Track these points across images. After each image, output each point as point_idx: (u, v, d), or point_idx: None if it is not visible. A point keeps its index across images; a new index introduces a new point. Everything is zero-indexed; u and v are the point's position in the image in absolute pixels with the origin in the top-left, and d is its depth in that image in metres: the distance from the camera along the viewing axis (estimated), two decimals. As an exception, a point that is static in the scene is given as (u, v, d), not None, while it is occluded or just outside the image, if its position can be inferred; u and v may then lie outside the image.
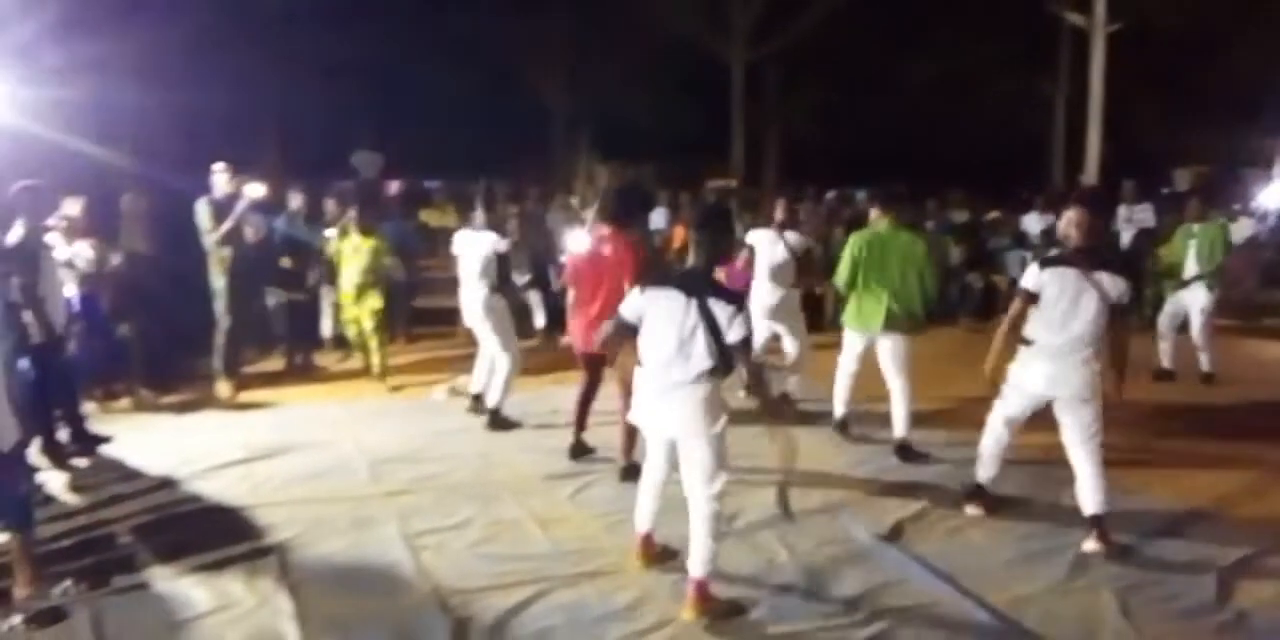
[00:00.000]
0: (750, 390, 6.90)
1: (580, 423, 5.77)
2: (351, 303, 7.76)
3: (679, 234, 10.11)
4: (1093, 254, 4.40)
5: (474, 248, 6.56)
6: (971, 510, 4.83)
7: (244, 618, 3.78)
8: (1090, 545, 4.35)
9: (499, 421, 6.44)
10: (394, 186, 14.05)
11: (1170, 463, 5.64)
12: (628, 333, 3.91)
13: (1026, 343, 4.51)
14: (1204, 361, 7.78)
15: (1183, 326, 7.91)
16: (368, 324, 7.77)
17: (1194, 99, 19.57)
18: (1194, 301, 7.75)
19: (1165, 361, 7.88)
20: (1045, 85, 21.07)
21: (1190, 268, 7.78)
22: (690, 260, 3.88)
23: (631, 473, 5.15)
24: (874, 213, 6.01)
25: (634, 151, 20.42)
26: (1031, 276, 4.48)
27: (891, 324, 5.70)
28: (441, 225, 13.50)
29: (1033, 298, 4.45)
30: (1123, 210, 11.35)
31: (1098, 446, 4.41)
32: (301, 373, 8.30)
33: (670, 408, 3.77)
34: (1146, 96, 19.11)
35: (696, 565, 3.76)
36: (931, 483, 5.31)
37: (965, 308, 10.74)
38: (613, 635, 3.63)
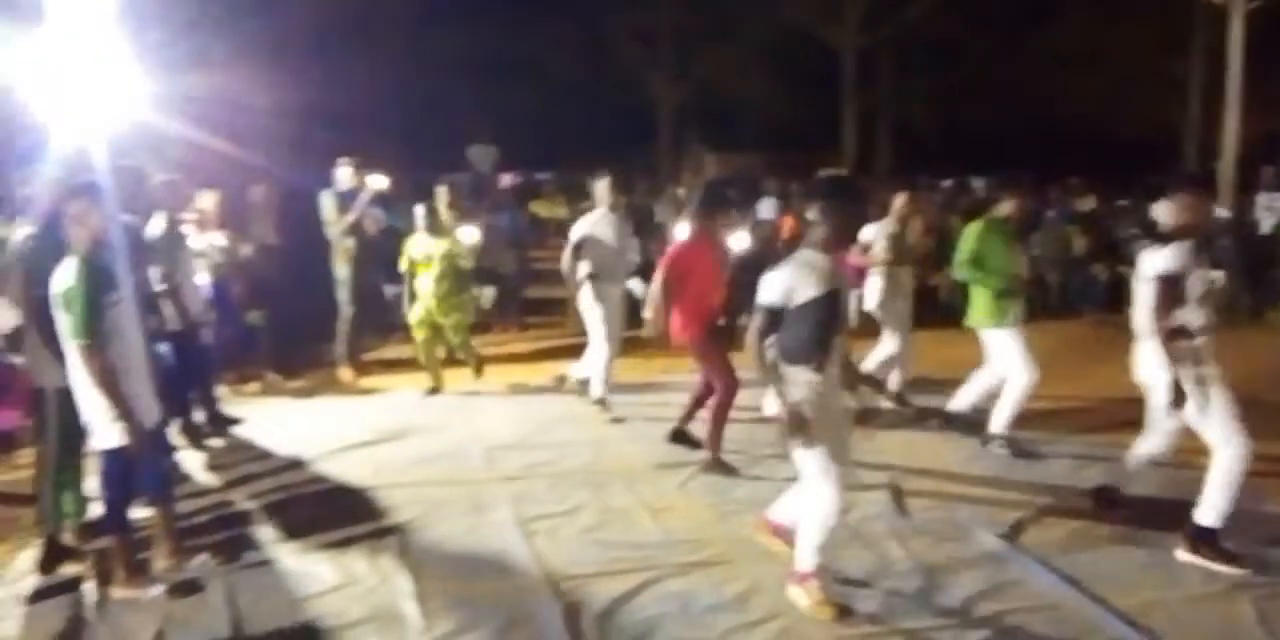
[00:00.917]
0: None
1: (690, 413, 5.79)
2: (430, 317, 7.08)
3: (788, 223, 10.01)
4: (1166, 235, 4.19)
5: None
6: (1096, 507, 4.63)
7: (366, 595, 3.92)
8: (1180, 554, 4.11)
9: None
10: (508, 179, 14.33)
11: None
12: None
13: None
14: None
15: None
16: (453, 338, 7.26)
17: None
18: None
19: None
20: (1177, 66, 19.99)
21: None
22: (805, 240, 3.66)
23: (721, 467, 5.30)
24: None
25: (743, 142, 20.27)
26: None
27: (968, 314, 5.75)
28: (551, 216, 13.69)
29: None
30: (1262, 198, 10.73)
31: (1223, 452, 4.06)
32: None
33: None
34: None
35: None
36: (1052, 481, 5.12)
37: (1090, 300, 10.33)
38: (722, 626, 3.62)
